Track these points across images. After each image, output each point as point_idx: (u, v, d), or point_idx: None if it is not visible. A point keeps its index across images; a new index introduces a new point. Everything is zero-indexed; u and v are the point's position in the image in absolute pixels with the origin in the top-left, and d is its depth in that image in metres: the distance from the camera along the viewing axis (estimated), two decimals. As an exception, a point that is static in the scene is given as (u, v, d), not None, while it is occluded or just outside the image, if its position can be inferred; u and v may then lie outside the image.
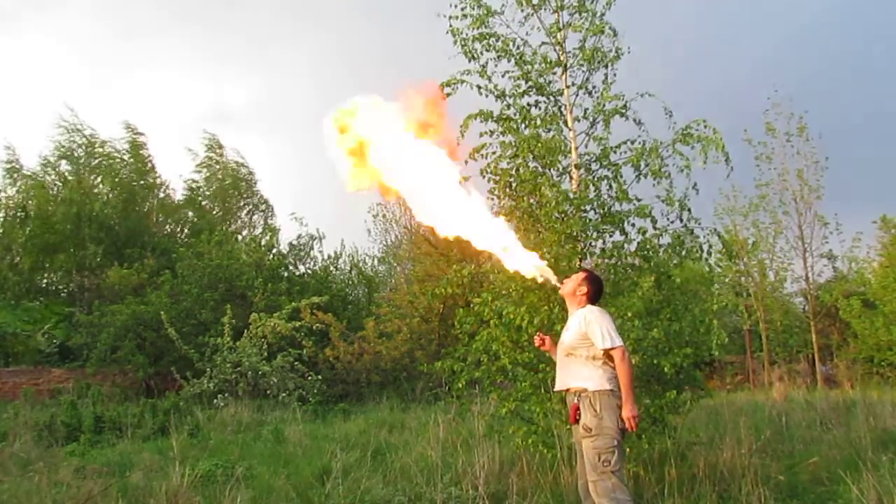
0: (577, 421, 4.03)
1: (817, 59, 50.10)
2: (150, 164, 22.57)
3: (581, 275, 4.37)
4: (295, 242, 20.18)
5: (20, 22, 48.46)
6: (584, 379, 4.06)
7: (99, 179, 21.53)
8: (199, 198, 24.01)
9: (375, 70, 51.35)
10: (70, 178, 20.76)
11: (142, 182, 22.00)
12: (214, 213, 23.96)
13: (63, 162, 21.07)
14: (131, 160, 22.13)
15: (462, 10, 6.35)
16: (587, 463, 3.97)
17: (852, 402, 9.20)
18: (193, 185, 23.93)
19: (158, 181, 22.82)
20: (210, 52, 52.79)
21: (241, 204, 24.80)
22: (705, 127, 5.78)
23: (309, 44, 56.15)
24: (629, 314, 5.40)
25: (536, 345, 4.50)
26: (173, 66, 51.43)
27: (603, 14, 6.29)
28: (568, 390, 4.17)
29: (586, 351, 4.09)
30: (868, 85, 45.98)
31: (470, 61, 6.37)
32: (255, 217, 24.87)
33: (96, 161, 21.57)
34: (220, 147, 24.29)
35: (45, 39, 47.81)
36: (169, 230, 22.69)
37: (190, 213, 23.33)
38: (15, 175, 20.82)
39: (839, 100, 43.20)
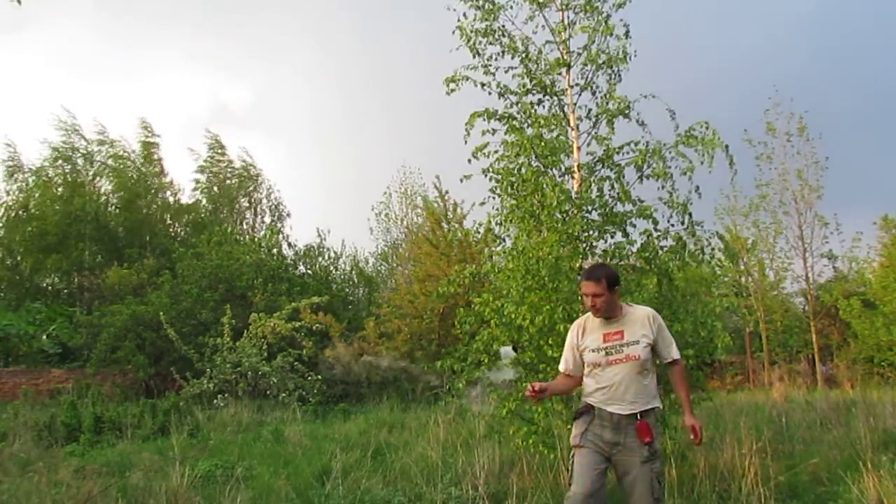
0: (651, 442, 3.46)
1: (812, 52, 50.14)
2: (159, 166, 22.64)
3: (600, 281, 3.53)
4: (304, 246, 20.33)
5: (25, 26, 48.51)
6: (654, 397, 3.58)
7: (102, 179, 21.55)
8: (206, 198, 24.02)
9: (375, 70, 51.39)
10: (69, 178, 20.76)
11: (148, 183, 22.00)
12: (221, 214, 23.92)
13: (61, 162, 21.06)
14: (140, 160, 22.15)
15: (475, 2, 6.40)
16: (641, 490, 3.42)
17: (852, 403, 9.18)
18: (200, 186, 23.98)
19: (166, 182, 22.89)
20: (212, 52, 52.80)
21: (248, 204, 24.79)
22: (706, 128, 5.77)
23: (308, 43, 56.18)
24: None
25: (529, 396, 3.48)
26: (176, 66, 51.45)
27: (609, 16, 6.28)
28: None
29: (651, 363, 3.59)
30: (868, 85, 46.01)
31: (474, 57, 6.39)
32: (264, 217, 24.90)
33: (100, 161, 21.58)
34: (223, 147, 24.33)
35: (49, 40, 47.84)
36: (175, 231, 22.67)
37: (194, 214, 23.31)
38: (16, 174, 20.84)
39: (839, 99, 43.23)
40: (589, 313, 3.68)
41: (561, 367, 3.72)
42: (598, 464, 3.47)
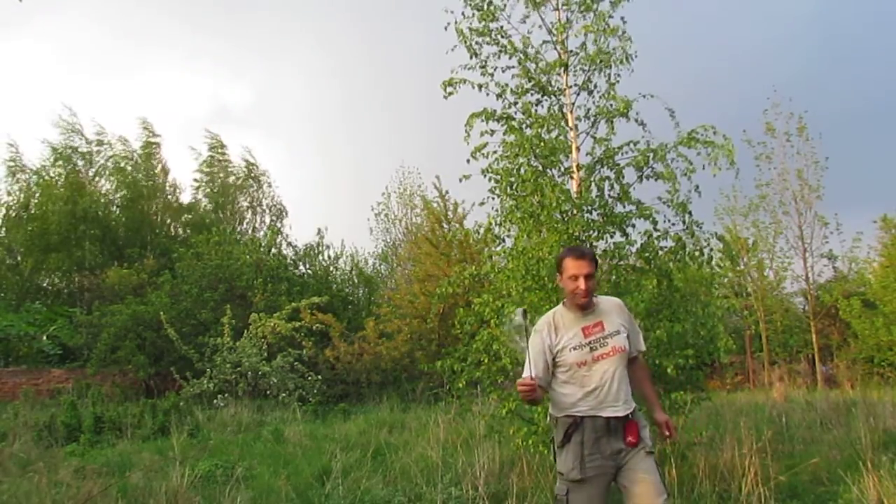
0: (637, 443, 3.12)
1: (812, 53, 50.18)
2: (160, 166, 22.65)
3: (593, 259, 3.23)
4: (303, 245, 20.35)
5: (26, 24, 48.50)
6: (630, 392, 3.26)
7: (103, 180, 21.56)
8: (206, 198, 24.02)
9: (376, 70, 51.39)
10: (70, 178, 20.77)
11: (149, 183, 21.98)
12: (221, 213, 23.91)
13: (62, 162, 21.08)
14: (141, 160, 22.15)
15: (473, 3, 6.40)
16: (652, 489, 3.05)
17: (852, 403, 9.18)
18: (200, 186, 23.98)
19: (167, 181, 22.88)
20: (212, 52, 52.78)
21: (247, 204, 24.77)
22: (714, 133, 5.75)
23: (309, 43, 56.16)
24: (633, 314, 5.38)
25: (522, 391, 3.00)
26: (176, 65, 51.45)
27: (610, 15, 6.27)
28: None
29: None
30: (868, 85, 46.03)
31: (472, 57, 6.38)
32: (264, 217, 24.86)
33: (102, 161, 21.59)
34: (223, 146, 24.36)
35: (50, 40, 47.84)
36: (175, 231, 22.67)
37: (194, 214, 23.29)
38: (17, 174, 20.84)
39: (839, 99, 43.25)
40: (554, 310, 3.34)
41: (529, 376, 3.03)
42: (605, 493, 3.12)
